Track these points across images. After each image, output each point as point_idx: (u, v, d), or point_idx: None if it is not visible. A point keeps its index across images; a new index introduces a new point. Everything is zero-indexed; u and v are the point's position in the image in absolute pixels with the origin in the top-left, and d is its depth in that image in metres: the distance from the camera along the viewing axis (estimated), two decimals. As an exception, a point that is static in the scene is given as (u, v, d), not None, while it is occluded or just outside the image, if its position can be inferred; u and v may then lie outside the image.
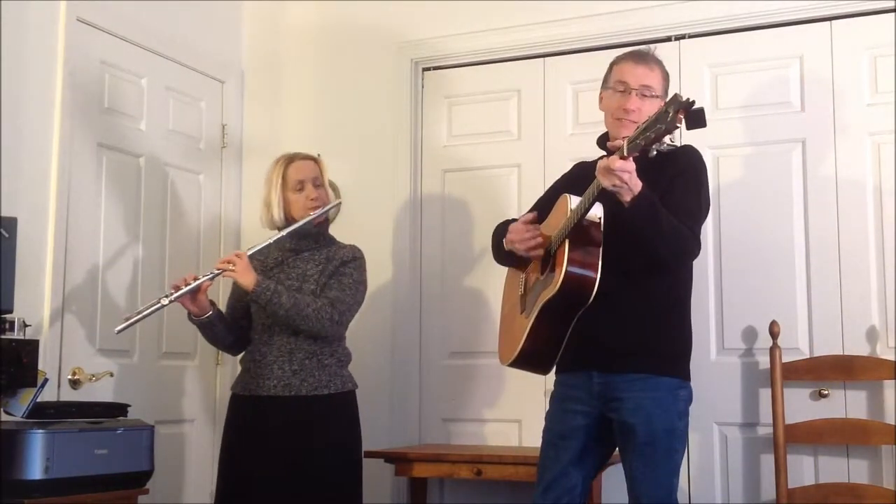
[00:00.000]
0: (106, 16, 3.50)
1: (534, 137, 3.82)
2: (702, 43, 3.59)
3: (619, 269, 2.52)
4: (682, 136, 3.18)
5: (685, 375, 2.66)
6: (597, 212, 2.45)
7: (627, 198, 2.38)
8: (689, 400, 2.66)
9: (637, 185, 2.36)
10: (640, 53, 2.78)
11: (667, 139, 2.16)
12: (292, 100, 4.20)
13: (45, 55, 3.26)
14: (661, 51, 3.39)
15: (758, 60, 3.52)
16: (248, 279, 2.90)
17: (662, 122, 2.13)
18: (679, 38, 3.61)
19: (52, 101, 3.27)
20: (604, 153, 2.60)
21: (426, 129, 4.02)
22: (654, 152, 2.20)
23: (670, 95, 2.16)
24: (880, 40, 3.34)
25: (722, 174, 3.50)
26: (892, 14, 3.32)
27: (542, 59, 3.84)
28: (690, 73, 3.57)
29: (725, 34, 3.57)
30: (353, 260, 3.10)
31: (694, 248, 2.59)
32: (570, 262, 2.45)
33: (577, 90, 3.73)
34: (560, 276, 2.44)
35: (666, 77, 2.76)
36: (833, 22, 3.43)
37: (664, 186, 2.55)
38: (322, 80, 4.16)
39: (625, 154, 2.27)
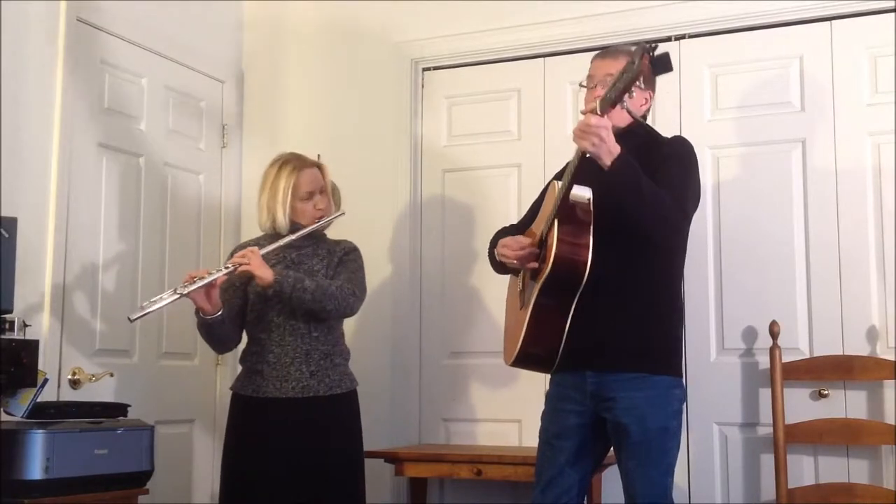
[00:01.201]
0: (106, 16, 3.50)
1: (534, 137, 3.82)
2: (702, 43, 3.59)
3: (611, 267, 2.51)
4: (681, 130, 3.20)
5: (678, 373, 2.65)
6: (585, 193, 2.44)
7: (607, 160, 2.37)
8: (683, 398, 2.66)
9: (615, 146, 2.36)
10: (606, 49, 2.81)
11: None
12: (292, 100, 4.19)
13: (45, 55, 3.26)
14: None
15: (758, 60, 3.51)
16: (266, 272, 2.89)
17: (629, 71, 2.17)
18: (679, 38, 3.61)
19: (52, 101, 3.27)
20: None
21: (426, 130, 4.02)
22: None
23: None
24: (880, 40, 3.34)
25: (721, 174, 3.50)
26: (892, 14, 3.32)
27: (541, 59, 3.84)
28: (690, 73, 3.57)
29: (725, 34, 3.56)
30: (354, 251, 3.16)
31: (678, 218, 2.54)
32: (559, 241, 2.44)
33: (576, 90, 3.71)
34: (551, 256, 2.44)
35: None
36: (833, 22, 3.43)
37: (653, 170, 2.53)
38: (322, 80, 4.16)
39: (598, 111, 2.28)
